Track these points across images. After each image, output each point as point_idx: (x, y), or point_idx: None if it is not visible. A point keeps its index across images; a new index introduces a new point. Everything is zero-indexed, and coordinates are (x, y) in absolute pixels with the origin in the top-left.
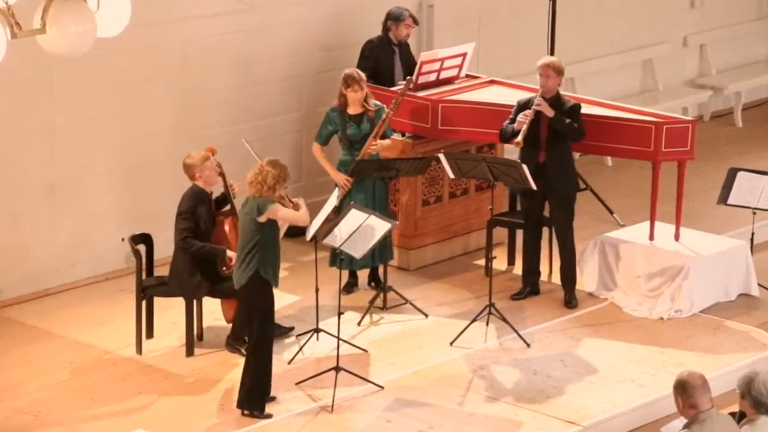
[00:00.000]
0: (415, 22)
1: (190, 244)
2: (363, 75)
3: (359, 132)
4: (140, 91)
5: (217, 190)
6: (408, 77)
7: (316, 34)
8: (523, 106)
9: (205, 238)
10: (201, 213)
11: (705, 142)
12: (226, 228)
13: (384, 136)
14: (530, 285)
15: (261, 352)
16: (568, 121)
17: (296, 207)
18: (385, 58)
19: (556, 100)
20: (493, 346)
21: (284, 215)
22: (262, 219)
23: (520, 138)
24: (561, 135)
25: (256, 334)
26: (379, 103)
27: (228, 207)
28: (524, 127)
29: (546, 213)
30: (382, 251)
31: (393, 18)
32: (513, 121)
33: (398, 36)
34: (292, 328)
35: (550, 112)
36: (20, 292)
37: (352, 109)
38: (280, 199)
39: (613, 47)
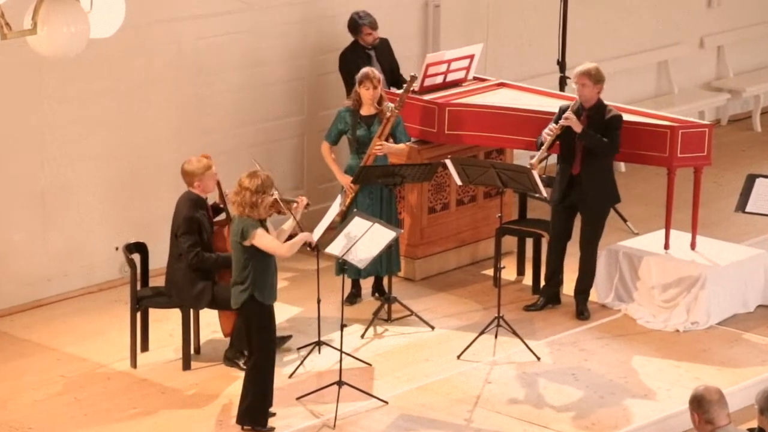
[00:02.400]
0: (373, 27)
1: (204, 259)
2: (378, 74)
3: (369, 134)
4: (135, 95)
5: (210, 197)
6: (412, 75)
7: (318, 35)
8: (564, 113)
9: (207, 245)
10: (202, 220)
11: (722, 148)
12: (225, 235)
13: (398, 141)
14: (548, 296)
15: (262, 369)
16: (597, 136)
17: (297, 209)
18: (361, 65)
19: (596, 110)
20: (502, 359)
21: (266, 245)
22: (246, 244)
23: (534, 160)
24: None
25: (257, 352)
26: (392, 105)
27: (223, 216)
28: (545, 146)
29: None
30: (388, 261)
31: (352, 30)
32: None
33: (365, 43)
34: (289, 337)
35: (578, 127)
36: (11, 303)
37: (365, 110)
38: (275, 206)
39: (626, 48)
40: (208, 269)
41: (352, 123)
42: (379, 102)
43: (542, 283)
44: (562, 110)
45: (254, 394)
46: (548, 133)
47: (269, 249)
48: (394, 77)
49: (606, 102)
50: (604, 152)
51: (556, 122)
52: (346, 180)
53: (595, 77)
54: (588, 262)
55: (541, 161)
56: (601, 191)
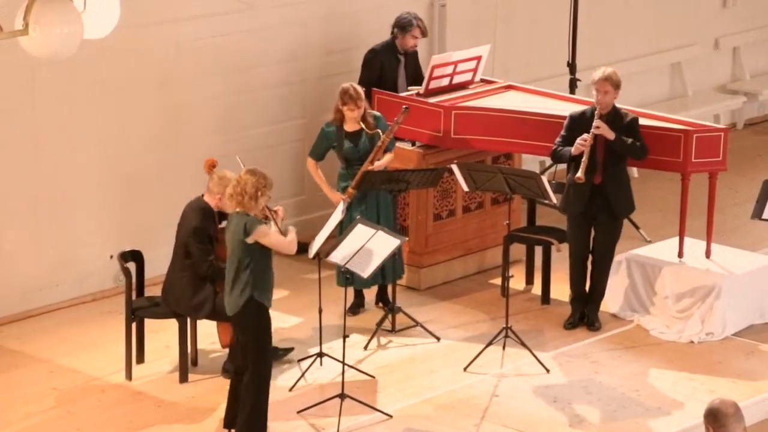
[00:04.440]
0: (423, 33)
1: (219, 269)
2: (361, 91)
3: (356, 151)
4: (129, 98)
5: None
6: (405, 107)
7: (319, 35)
8: (577, 120)
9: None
10: (211, 232)
11: (738, 152)
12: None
13: (386, 151)
14: (579, 310)
15: (262, 379)
16: (629, 140)
17: (276, 216)
18: (389, 67)
19: (613, 115)
20: (510, 371)
21: (271, 241)
22: (250, 240)
23: (580, 173)
24: (618, 155)
25: (255, 362)
26: (378, 113)
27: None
28: (584, 158)
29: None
30: (391, 267)
31: (399, 27)
32: (565, 139)
33: (404, 46)
34: (291, 349)
35: (611, 135)
36: (1, 314)
37: (349, 126)
38: (265, 211)
39: (639, 50)
40: (216, 279)
41: (338, 140)
42: (363, 118)
43: (570, 297)
44: (573, 118)
45: (252, 405)
46: (582, 144)
47: (277, 244)
48: (416, 81)
49: (618, 104)
50: (638, 156)
51: (568, 131)
52: (335, 196)
53: (616, 82)
54: (604, 272)
55: (585, 172)
56: (623, 199)
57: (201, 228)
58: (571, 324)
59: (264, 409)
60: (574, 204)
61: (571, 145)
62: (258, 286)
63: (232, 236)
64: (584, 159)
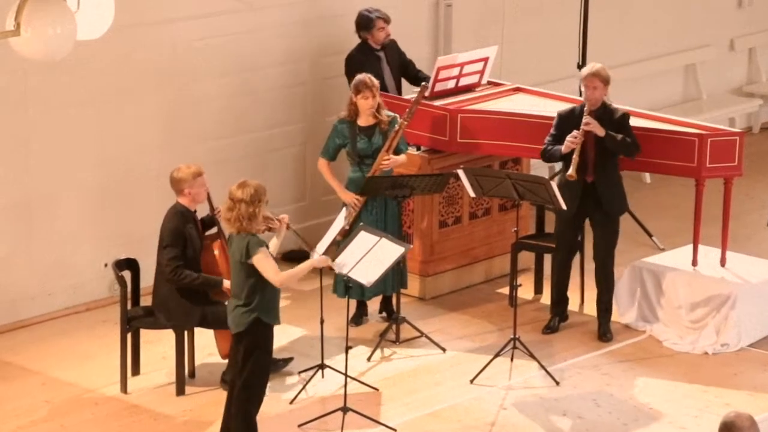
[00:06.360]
0: (386, 21)
1: (183, 276)
2: (376, 81)
3: (370, 146)
4: (125, 100)
5: (202, 211)
6: (423, 83)
7: (321, 36)
8: (565, 118)
9: (194, 262)
10: (188, 234)
11: (754, 157)
12: (216, 252)
13: (398, 151)
14: (559, 314)
15: (256, 397)
16: (620, 137)
17: (279, 229)
18: (370, 68)
19: (602, 111)
20: (519, 384)
21: (264, 267)
22: (251, 262)
23: (572, 171)
24: (611, 152)
25: (247, 378)
26: (392, 113)
27: (215, 229)
28: (575, 155)
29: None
30: (394, 278)
31: (363, 28)
32: (555, 138)
33: (378, 42)
34: (290, 359)
35: (601, 132)
36: None
37: (363, 120)
38: (266, 221)
39: (651, 51)
40: (187, 287)
41: (351, 136)
42: (378, 110)
43: (551, 300)
44: (561, 116)
45: (244, 419)
46: (573, 141)
47: (267, 274)
48: (410, 75)
49: (629, 107)
50: (629, 152)
51: (557, 129)
52: (348, 197)
53: (604, 78)
54: (610, 275)
55: (577, 170)
56: (616, 198)
57: (175, 229)
58: (550, 329)
59: (253, 422)
60: (567, 204)
61: (561, 143)
62: (264, 306)
63: (234, 257)
64: (575, 156)
